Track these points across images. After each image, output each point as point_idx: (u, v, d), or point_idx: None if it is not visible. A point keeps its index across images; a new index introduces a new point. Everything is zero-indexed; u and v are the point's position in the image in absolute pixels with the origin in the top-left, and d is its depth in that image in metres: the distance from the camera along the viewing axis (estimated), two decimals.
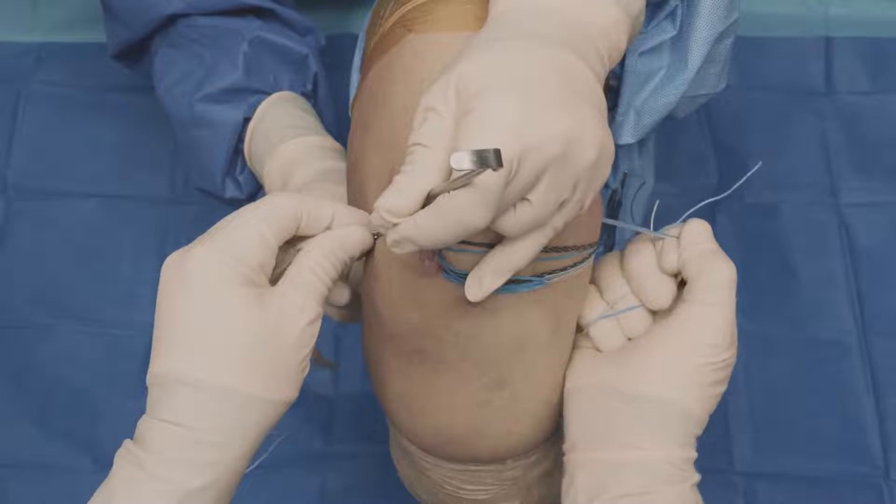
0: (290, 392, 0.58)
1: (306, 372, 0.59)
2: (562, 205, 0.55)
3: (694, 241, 0.64)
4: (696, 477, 0.62)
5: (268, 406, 0.57)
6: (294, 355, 0.57)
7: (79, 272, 1.05)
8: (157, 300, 0.58)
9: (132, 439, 0.58)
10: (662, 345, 0.63)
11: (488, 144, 0.49)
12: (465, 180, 0.50)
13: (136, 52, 0.98)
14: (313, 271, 0.59)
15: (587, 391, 0.65)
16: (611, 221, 0.66)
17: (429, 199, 0.52)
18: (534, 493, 0.75)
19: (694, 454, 0.62)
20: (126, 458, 0.57)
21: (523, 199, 0.54)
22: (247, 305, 0.56)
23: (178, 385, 0.56)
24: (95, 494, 0.57)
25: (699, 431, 0.63)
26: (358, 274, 0.70)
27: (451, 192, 0.51)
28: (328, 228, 0.61)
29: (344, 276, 0.64)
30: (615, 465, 0.62)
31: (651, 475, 0.61)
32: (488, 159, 0.48)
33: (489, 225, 0.53)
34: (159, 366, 0.57)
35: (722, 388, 0.63)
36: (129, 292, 1.04)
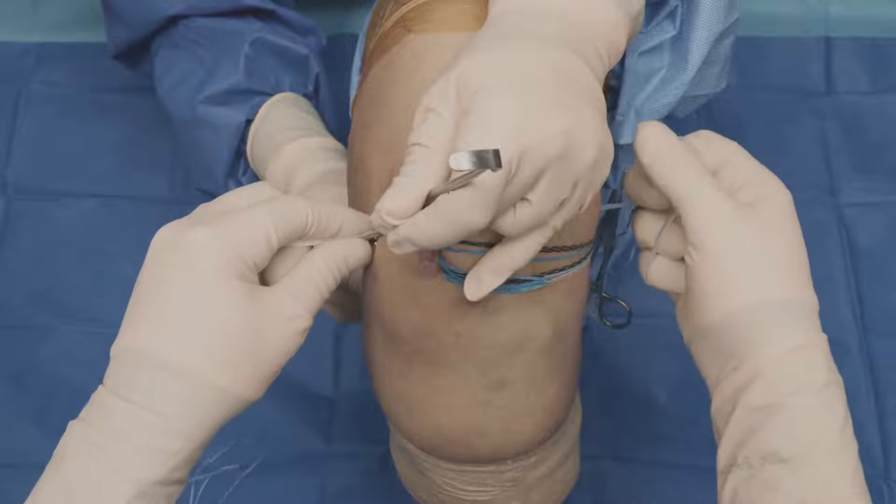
0: (259, 393, 0.58)
1: (276, 377, 0.58)
2: (561, 204, 0.55)
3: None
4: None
5: (238, 403, 0.56)
6: (277, 360, 0.57)
7: (79, 272, 1.05)
8: (145, 270, 0.57)
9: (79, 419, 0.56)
10: None
11: (488, 145, 0.49)
12: (464, 180, 0.50)
13: (136, 53, 0.98)
14: (314, 282, 0.59)
15: None
16: (610, 206, 0.66)
17: (429, 200, 0.52)
18: (534, 494, 0.75)
19: None
20: (80, 445, 0.55)
21: (523, 198, 0.54)
22: (241, 301, 0.55)
23: (156, 369, 0.54)
24: (45, 483, 0.55)
25: None
26: (358, 275, 0.70)
27: (450, 192, 0.51)
28: (333, 237, 0.60)
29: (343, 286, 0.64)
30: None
31: None
32: (487, 160, 0.48)
33: (489, 225, 0.54)
34: (138, 340, 0.55)
35: None
36: (129, 292, 1.03)
